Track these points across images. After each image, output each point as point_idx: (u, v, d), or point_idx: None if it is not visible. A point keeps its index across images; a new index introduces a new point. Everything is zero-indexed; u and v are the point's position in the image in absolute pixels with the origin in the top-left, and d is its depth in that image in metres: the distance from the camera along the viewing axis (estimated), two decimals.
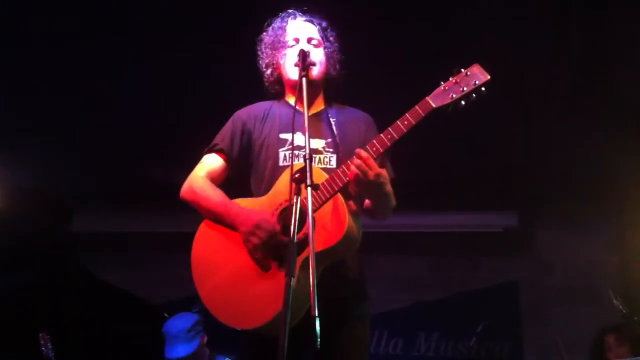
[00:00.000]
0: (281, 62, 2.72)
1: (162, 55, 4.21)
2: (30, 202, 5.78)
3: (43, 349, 4.51)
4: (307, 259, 1.91)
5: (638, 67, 4.21)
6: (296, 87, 2.41)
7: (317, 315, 1.76)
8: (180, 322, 4.29)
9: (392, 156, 2.67)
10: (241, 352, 2.53)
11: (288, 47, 2.70)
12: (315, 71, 2.63)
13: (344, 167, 2.31)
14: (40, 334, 4.57)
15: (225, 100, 2.84)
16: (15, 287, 5.69)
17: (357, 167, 2.23)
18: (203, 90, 4.48)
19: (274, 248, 2.30)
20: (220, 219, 2.48)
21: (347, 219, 2.26)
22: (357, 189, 2.29)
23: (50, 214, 6.22)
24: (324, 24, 2.78)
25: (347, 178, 2.28)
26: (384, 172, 2.29)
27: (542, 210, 6.40)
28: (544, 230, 6.48)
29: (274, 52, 2.74)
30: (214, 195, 2.54)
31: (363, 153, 2.25)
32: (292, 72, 2.67)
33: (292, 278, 1.83)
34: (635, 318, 4.44)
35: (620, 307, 4.39)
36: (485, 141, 5.07)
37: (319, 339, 1.75)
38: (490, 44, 3.80)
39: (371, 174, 2.23)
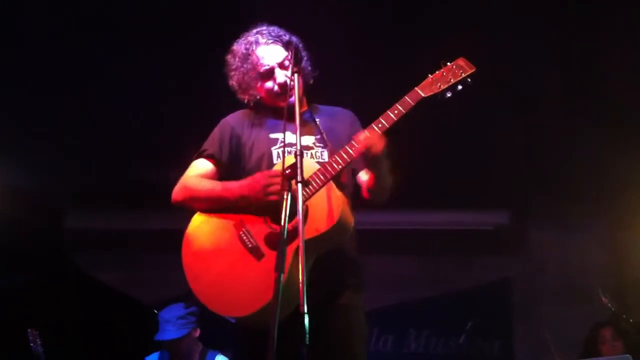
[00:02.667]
0: (261, 91, 2.68)
1: (158, 54, 4.21)
2: (23, 201, 5.76)
3: (32, 344, 4.50)
4: (298, 248, 1.91)
5: (630, 67, 4.23)
6: (279, 109, 2.46)
7: (305, 311, 1.77)
8: (174, 309, 4.38)
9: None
10: (235, 344, 2.54)
11: (264, 79, 2.65)
12: (294, 97, 2.48)
13: (336, 157, 2.37)
14: (29, 330, 4.56)
15: (221, 99, 2.83)
16: (9, 287, 5.67)
17: (366, 139, 2.34)
18: (199, 88, 4.48)
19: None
20: (221, 203, 2.46)
21: (342, 206, 2.30)
22: (367, 159, 2.39)
23: (43, 213, 6.18)
24: (286, 40, 2.70)
25: (339, 166, 2.34)
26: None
27: (533, 208, 6.42)
28: (535, 228, 6.50)
29: (249, 83, 2.68)
30: (209, 183, 2.55)
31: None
32: (275, 100, 2.65)
33: (282, 274, 1.84)
34: (624, 316, 4.49)
35: (609, 304, 4.44)
36: (477, 140, 5.08)
37: (307, 335, 1.76)
38: (484, 43, 3.80)
39: (381, 142, 2.35)
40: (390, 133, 2.41)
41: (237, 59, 2.69)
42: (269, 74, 2.64)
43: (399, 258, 6.40)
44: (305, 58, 2.74)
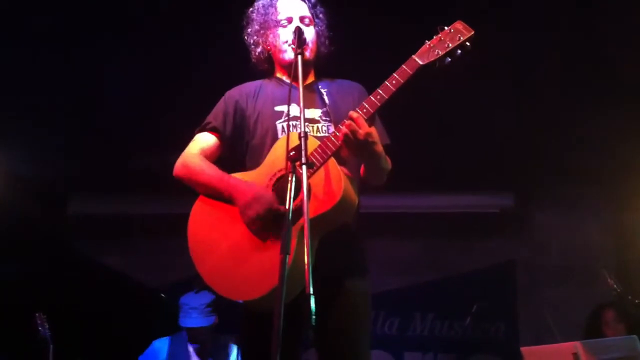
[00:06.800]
0: (274, 42, 2.69)
1: (154, 40, 4.20)
2: (26, 188, 5.77)
3: (40, 328, 4.53)
4: (303, 228, 1.91)
5: (635, 48, 4.19)
6: (289, 66, 2.39)
7: (312, 293, 1.76)
8: (201, 296, 4.42)
9: (384, 122, 2.67)
10: (241, 328, 2.52)
11: (281, 26, 2.67)
12: (308, 51, 2.63)
13: (336, 132, 2.34)
14: (36, 314, 4.59)
15: (220, 85, 2.82)
16: (15, 273, 5.70)
17: (347, 126, 2.25)
18: (198, 74, 4.46)
19: (272, 220, 2.30)
20: (216, 193, 2.47)
21: (343, 183, 2.26)
22: (348, 150, 2.31)
23: (44, 199, 6.19)
24: (313, 0, 2.76)
25: (339, 142, 2.30)
26: (373, 130, 2.30)
27: (538, 191, 6.41)
28: (540, 211, 6.50)
29: (265, 31, 2.71)
30: (209, 169, 2.53)
31: (354, 114, 2.28)
32: (286, 52, 2.65)
33: (287, 256, 1.83)
34: (630, 297, 4.49)
35: (615, 285, 4.45)
36: (481, 122, 5.06)
37: (314, 317, 1.75)
38: (485, 24, 3.77)
39: (361, 133, 2.25)
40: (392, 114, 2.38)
41: (259, 8, 2.74)
42: (287, 22, 2.66)
43: (404, 241, 6.40)
44: (322, 24, 2.76)
